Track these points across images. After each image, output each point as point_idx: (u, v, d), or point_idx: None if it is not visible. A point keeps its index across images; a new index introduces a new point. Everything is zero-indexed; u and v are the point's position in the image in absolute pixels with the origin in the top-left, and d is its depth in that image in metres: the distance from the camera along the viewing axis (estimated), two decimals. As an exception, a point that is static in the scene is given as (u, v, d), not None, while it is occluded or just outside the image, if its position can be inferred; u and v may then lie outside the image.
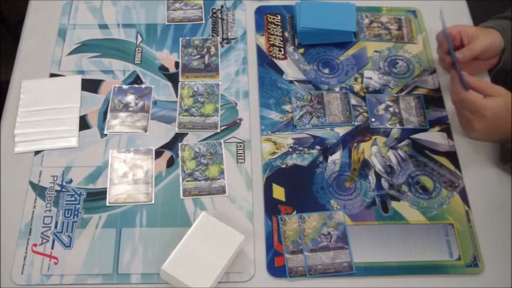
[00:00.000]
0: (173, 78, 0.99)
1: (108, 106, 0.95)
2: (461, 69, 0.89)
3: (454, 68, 0.92)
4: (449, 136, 0.95)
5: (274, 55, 1.03)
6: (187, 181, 0.88)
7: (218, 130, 0.94)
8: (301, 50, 1.04)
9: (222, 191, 0.87)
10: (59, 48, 1.02)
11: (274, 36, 1.06)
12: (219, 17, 1.08)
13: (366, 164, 0.91)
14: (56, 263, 0.80)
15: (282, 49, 1.04)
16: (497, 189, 0.90)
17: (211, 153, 0.90)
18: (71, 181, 0.87)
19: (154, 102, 0.96)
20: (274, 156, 0.91)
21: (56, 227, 0.83)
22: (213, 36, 1.05)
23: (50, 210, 0.85)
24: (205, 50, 1.03)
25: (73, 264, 0.80)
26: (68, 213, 0.84)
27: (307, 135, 0.94)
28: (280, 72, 1.01)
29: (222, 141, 0.92)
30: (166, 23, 1.06)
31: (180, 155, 0.90)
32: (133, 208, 0.85)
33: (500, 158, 0.92)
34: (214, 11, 1.09)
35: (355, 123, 0.96)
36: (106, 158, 0.90)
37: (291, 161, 0.91)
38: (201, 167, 0.89)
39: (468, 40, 0.94)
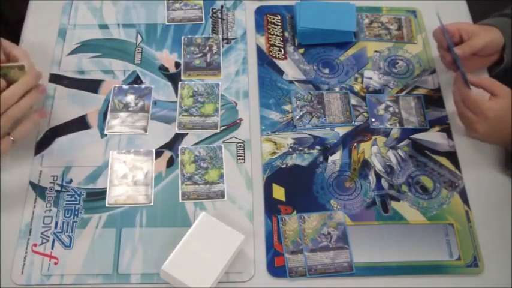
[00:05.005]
0: (173, 78, 0.99)
1: (108, 106, 0.95)
2: (462, 66, 0.88)
3: (455, 66, 0.92)
4: (449, 136, 0.95)
5: (274, 55, 1.03)
6: (186, 185, 0.88)
7: (218, 130, 0.94)
8: (301, 50, 1.04)
9: (221, 195, 0.87)
10: (59, 48, 1.02)
11: (274, 36, 1.06)
12: (219, 17, 1.08)
13: (366, 164, 0.91)
14: (56, 263, 0.80)
15: (282, 49, 1.04)
16: (497, 189, 0.90)
17: (211, 157, 0.90)
18: (71, 181, 0.87)
19: (154, 102, 0.96)
20: (274, 156, 0.91)
21: (56, 227, 0.83)
22: (214, 35, 1.05)
23: (50, 210, 0.85)
24: (207, 48, 1.03)
25: (73, 264, 0.80)
26: (68, 213, 0.84)
27: (307, 135, 0.94)
28: (280, 72, 1.01)
29: (222, 145, 0.92)
30: (166, 23, 1.06)
31: (179, 159, 0.90)
32: (134, 208, 0.85)
33: (505, 163, 0.91)
34: (214, 11, 1.09)
35: (355, 123, 0.96)
36: (106, 158, 0.90)
37: (291, 161, 0.91)
38: (200, 171, 0.89)
39: (468, 37, 0.93)
